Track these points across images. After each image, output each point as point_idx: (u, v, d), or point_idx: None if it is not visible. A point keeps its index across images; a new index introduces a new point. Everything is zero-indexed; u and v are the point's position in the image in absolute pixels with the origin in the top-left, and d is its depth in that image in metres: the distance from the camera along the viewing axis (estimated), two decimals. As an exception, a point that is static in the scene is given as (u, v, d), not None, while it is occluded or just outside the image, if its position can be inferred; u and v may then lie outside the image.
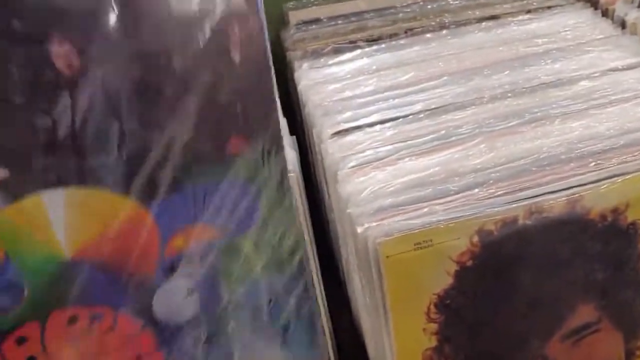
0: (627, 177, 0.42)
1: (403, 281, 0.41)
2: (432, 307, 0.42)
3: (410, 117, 0.48)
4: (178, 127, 0.33)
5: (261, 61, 0.35)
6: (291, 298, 0.42)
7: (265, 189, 0.38)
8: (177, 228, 0.35)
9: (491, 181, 0.42)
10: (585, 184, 0.41)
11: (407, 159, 0.45)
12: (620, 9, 0.58)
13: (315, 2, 0.61)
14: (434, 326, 0.43)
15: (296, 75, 0.55)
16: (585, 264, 0.43)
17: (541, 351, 0.45)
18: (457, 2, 0.62)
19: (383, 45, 0.57)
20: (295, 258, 0.41)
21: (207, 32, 0.33)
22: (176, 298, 0.36)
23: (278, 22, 0.62)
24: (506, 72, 0.51)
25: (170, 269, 0.35)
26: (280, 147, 0.38)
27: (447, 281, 0.42)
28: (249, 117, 0.36)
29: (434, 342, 0.43)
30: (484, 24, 0.58)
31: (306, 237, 0.48)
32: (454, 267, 0.41)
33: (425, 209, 0.41)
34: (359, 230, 0.40)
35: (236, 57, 0.34)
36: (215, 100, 0.34)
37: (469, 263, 0.41)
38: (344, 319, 0.54)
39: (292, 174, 0.45)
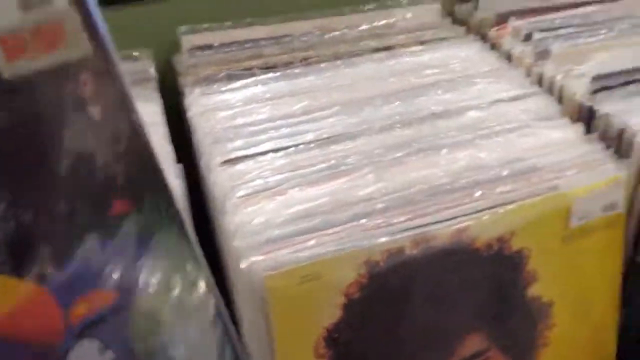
0: (511, 206, 0.43)
1: (290, 316, 0.40)
2: (320, 341, 0.41)
3: (302, 146, 0.48)
4: (52, 201, 0.30)
5: (127, 116, 0.33)
6: (211, 344, 0.39)
7: (161, 244, 0.36)
8: (77, 296, 0.32)
9: (378, 211, 0.42)
10: (470, 214, 0.42)
11: (296, 188, 0.44)
12: (507, 43, 0.60)
13: (210, 28, 0.60)
14: (323, 361, 0.42)
15: (186, 101, 0.54)
16: (473, 293, 0.44)
17: (434, 378, 0.45)
18: (353, 32, 0.62)
19: (278, 74, 0.56)
20: (209, 304, 0.39)
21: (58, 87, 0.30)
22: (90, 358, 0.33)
23: (170, 47, 0.60)
24: (397, 103, 0.52)
25: (79, 335, 0.32)
26: (172, 200, 0.36)
27: (336, 315, 0.41)
28: (130, 179, 0.33)
29: (323, 378, 0.42)
30: (376, 55, 0.58)
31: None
32: (342, 300, 0.40)
33: (313, 241, 0.40)
34: (243, 265, 0.39)
35: (95, 114, 0.31)
36: (85, 166, 0.31)
37: (357, 295, 0.41)
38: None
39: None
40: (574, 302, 0.47)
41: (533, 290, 0.45)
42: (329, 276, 0.39)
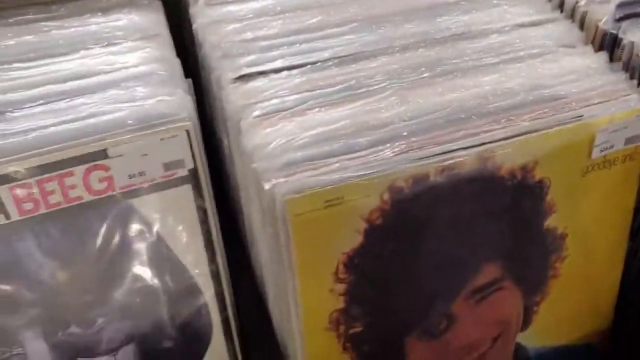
0: (536, 134, 0.41)
1: (311, 240, 0.38)
2: (340, 267, 0.40)
3: (319, 64, 0.45)
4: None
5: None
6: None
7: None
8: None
9: (403, 136, 0.40)
10: (496, 141, 0.40)
11: (315, 109, 0.42)
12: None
13: None
14: (341, 287, 0.41)
15: (191, 11, 0.50)
16: (493, 223, 0.43)
17: (447, 309, 0.45)
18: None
19: (289, -15, 0.52)
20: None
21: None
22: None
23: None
24: (417, 21, 0.49)
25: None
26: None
27: (357, 240, 0.39)
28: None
29: (341, 304, 0.41)
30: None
31: (206, 194, 0.44)
32: (363, 226, 0.39)
33: (336, 165, 0.38)
34: (266, 186, 0.37)
35: None
36: None
37: (379, 221, 0.39)
38: (244, 281, 0.50)
39: (187, 122, 0.40)
40: (585, 234, 0.47)
41: (550, 222, 0.44)
42: (353, 201, 0.38)
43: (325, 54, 0.46)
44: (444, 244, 0.42)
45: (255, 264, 0.50)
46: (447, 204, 0.41)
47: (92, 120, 0.40)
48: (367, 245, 0.40)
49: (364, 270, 0.41)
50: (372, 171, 0.38)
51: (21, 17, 0.48)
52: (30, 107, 0.41)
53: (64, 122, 0.40)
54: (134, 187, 0.41)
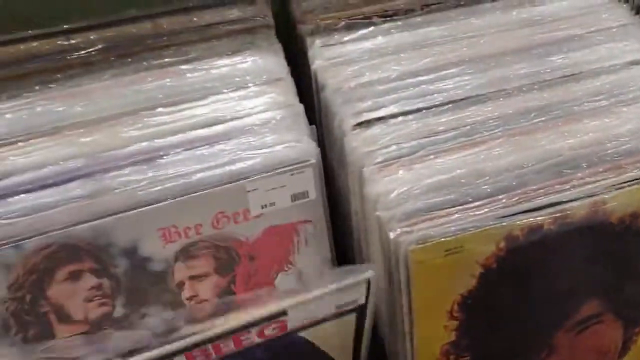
0: (647, 182, 0.43)
1: (430, 284, 0.42)
2: (455, 306, 0.43)
3: (433, 109, 0.48)
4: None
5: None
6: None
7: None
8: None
9: (517, 185, 0.43)
10: (608, 190, 0.42)
11: (432, 156, 0.45)
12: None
13: (324, -32, 0.58)
14: (454, 323, 0.44)
15: (310, 53, 0.53)
16: (599, 262, 0.45)
17: (549, 341, 0.48)
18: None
19: (399, 23, 0.55)
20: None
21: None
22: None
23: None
24: (527, 62, 0.51)
25: None
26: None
27: (472, 283, 0.43)
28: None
29: (452, 337, 0.45)
30: (500, 3, 0.56)
31: (325, 227, 0.48)
32: (479, 270, 0.42)
33: (456, 215, 0.41)
34: (391, 235, 0.40)
35: None
36: None
37: (493, 266, 0.42)
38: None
39: (311, 167, 0.44)
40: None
41: (654, 262, 0.46)
42: (471, 250, 0.41)
43: (439, 98, 0.48)
44: (551, 283, 0.44)
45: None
46: (557, 249, 0.43)
47: (232, 167, 0.45)
48: (480, 287, 0.43)
49: (476, 309, 0.44)
50: (490, 223, 0.41)
51: (157, 61, 0.53)
52: (174, 153, 0.46)
53: (207, 168, 0.45)
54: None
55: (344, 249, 0.56)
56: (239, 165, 0.45)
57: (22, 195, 0.44)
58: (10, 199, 0.43)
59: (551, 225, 0.42)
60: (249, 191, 0.45)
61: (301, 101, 0.50)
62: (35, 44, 0.54)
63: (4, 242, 0.42)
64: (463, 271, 0.42)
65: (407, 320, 0.44)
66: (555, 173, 0.43)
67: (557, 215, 0.41)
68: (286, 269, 0.49)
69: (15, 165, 0.46)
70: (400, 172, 0.44)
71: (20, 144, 0.47)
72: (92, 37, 0.55)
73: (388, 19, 0.56)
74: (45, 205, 0.43)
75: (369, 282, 0.43)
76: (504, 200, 0.42)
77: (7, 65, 0.53)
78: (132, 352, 0.43)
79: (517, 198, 0.42)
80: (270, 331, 0.42)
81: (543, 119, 0.46)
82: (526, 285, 0.44)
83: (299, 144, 0.46)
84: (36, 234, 0.42)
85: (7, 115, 0.50)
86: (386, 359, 0.52)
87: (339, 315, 0.44)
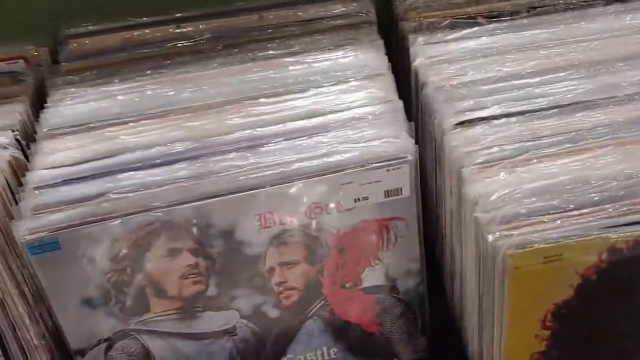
0: None
1: (526, 291, 0.41)
2: (548, 315, 0.42)
3: (538, 112, 0.46)
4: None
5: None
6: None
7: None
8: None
9: (623, 196, 0.41)
10: None
11: (535, 160, 0.43)
12: None
13: (431, -34, 0.58)
14: (546, 333, 0.43)
15: (411, 50, 0.53)
16: None
17: (642, 359, 0.46)
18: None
19: (504, 24, 0.54)
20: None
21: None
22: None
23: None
24: (638, 69, 0.48)
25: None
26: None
27: (568, 293, 0.41)
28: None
29: (543, 347, 0.44)
30: (613, 7, 0.54)
31: (417, 225, 0.48)
32: (577, 281, 0.41)
33: (557, 222, 0.40)
34: (490, 238, 0.40)
35: None
36: None
37: (593, 277, 0.41)
38: (438, 305, 0.54)
39: (407, 164, 0.44)
40: None
41: None
42: (571, 259, 0.40)
43: (544, 101, 0.47)
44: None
45: (451, 289, 0.53)
46: (664, 265, 0.41)
47: (329, 159, 0.45)
48: (577, 298, 0.41)
49: (571, 320, 0.42)
50: (593, 232, 0.39)
51: (263, 53, 0.55)
52: (275, 142, 0.47)
53: (305, 159, 0.46)
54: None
55: (432, 249, 0.56)
56: (336, 158, 0.46)
57: (131, 173, 0.46)
58: (119, 175, 0.46)
59: (659, 240, 0.40)
60: (343, 184, 0.45)
61: (400, 98, 0.50)
62: (147, 30, 0.57)
63: (112, 215, 0.44)
64: (561, 280, 0.41)
65: (498, 327, 0.43)
66: (667, 186, 0.41)
67: (667, 229, 0.39)
68: (373, 264, 0.49)
69: (126, 144, 0.48)
70: (502, 174, 0.43)
71: (131, 124, 0.50)
72: (201, 26, 0.57)
73: (493, 19, 0.55)
74: (152, 183, 0.45)
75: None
76: (609, 210, 0.40)
77: (120, 50, 0.57)
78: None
79: (624, 209, 0.40)
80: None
81: (656, 129, 0.44)
82: (625, 300, 0.42)
83: (397, 140, 0.46)
84: (142, 210, 0.44)
85: (120, 97, 0.52)
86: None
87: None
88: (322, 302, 0.50)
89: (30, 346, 0.47)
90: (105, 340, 0.48)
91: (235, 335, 0.50)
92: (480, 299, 0.45)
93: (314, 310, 0.50)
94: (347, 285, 0.50)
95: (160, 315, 0.48)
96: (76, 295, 0.46)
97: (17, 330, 0.46)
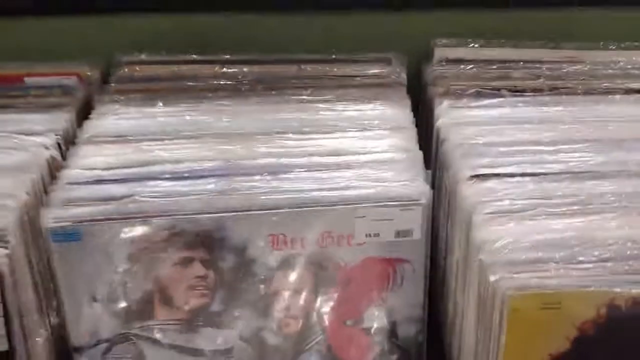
0: None
1: (523, 336, 0.41)
2: (544, 366, 0.42)
3: (550, 176, 0.49)
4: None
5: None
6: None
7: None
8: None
9: (627, 257, 0.42)
10: None
11: (543, 216, 0.45)
12: None
13: (463, 43, 0.62)
14: (540, 384, 0.43)
15: (436, 111, 0.57)
16: None
17: None
18: (603, 69, 0.61)
19: (527, 98, 0.57)
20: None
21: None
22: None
23: (422, 56, 0.64)
24: (650, 149, 0.51)
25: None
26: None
27: (564, 345, 0.42)
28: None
29: (536, 399, 0.43)
30: (632, 97, 0.57)
31: (423, 271, 0.49)
32: (574, 333, 0.41)
33: (560, 271, 0.41)
34: (492, 278, 0.41)
35: None
36: None
37: (590, 332, 0.41)
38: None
39: (421, 206, 0.46)
40: None
41: None
42: (569, 309, 0.40)
43: (557, 167, 0.49)
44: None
45: (449, 342, 0.53)
46: (663, 332, 0.41)
47: (346, 192, 0.48)
48: (573, 351, 0.42)
49: (566, 375, 0.42)
50: (593, 284, 0.40)
51: (297, 97, 0.58)
52: (297, 172, 0.50)
53: (323, 189, 0.48)
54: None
55: (434, 303, 0.57)
56: (353, 192, 0.48)
57: (160, 181, 0.49)
58: (148, 182, 0.49)
59: (658, 303, 0.41)
60: (357, 217, 0.47)
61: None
62: (195, 66, 0.62)
63: (135, 215, 0.47)
64: (558, 330, 0.41)
65: (493, 371, 0.43)
66: (669, 254, 0.42)
67: (667, 293, 0.40)
68: (376, 304, 0.50)
69: (159, 157, 0.51)
70: (510, 224, 0.45)
71: (167, 141, 0.53)
72: (244, 69, 0.62)
73: (517, 94, 0.58)
74: (177, 192, 0.48)
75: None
76: (610, 266, 0.41)
77: (167, 80, 0.61)
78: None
79: (626, 268, 0.41)
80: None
81: (662, 202, 0.46)
82: (620, 358, 0.42)
83: (412, 183, 0.49)
84: (164, 215, 0.47)
85: (160, 119, 0.56)
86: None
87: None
88: (321, 337, 0.51)
89: (33, 334, 0.48)
90: (106, 341, 0.49)
91: (232, 357, 0.51)
92: (477, 346, 0.45)
93: (312, 344, 0.51)
94: (349, 322, 0.51)
95: (163, 324, 0.49)
96: (87, 289, 0.48)
97: (23, 316, 0.47)
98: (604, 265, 0.42)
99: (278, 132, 0.54)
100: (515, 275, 0.41)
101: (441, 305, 0.56)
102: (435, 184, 0.55)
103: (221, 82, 0.61)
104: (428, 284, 0.50)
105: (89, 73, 0.62)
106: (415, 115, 0.57)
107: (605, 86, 0.59)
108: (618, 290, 0.40)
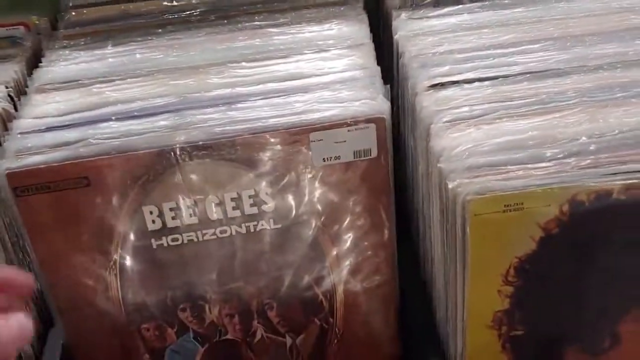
0: None
1: (487, 241, 0.41)
2: (511, 270, 0.42)
3: (510, 78, 0.47)
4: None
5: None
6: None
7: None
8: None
9: (589, 151, 0.42)
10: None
11: (504, 119, 0.44)
12: None
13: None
14: (509, 289, 0.43)
15: (394, 24, 0.55)
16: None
17: (612, 328, 0.45)
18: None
19: (486, 3, 0.55)
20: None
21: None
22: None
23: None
24: (613, 43, 0.49)
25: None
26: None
27: (530, 246, 0.42)
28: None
29: (506, 305, 0.44)
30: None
31: (390, 190, 0.49)
32: (539, 234, 0.41)
33: (520, 172, 0.41)
34: (450, 185, 0.40)
35: None
36: None
37: (555, 231, 0.41)
38: (411, 274, 0.54)
39: (381, 116, 0.45)
40: None
41: None
42: (532, 209, 0.40)
43: (517, 69, 0.48)
44: (617, 261, 0.42)
45: (424, 258, 0.53)
46: (626, 223, 0.41)
47: (303, 116, 0.46)
48: (540, 252, 0.42)
49: (533, 277, 0.43)
50: (555, 182, 0.40)
51: (250, 23, 0.57)
52: (253, 100, 0.49)
53: (281, 115, 0.47)
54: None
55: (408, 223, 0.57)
56: (311, 115, 0.47)
57: (112, 122, 0.48)
58: (101, 124, 0.48)
59: (621, 195, 0.40)
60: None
61: (382, 72, 0.51)
62: (143, 3, 0.60)
63: (90, 158, 0.46)
64: (522, 232, 0.41)
65: (461, 280, 0.43)
66: (631, 145, 0.42)
67: (629, 184, 0.40)
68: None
69: (110, 98, 0.50)
70: (469, 130, 0.44)
71: (117, 82, 0.52)
72: (194, 1, 0.60)
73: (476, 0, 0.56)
74: (130, 132, 0.47)
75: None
76: (572, 164, 0.41)
77: (116, 19, 0.59)
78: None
79: (587, 162, 0.41)
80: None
81: (624, 94, 0.45)
82: (588, 258, 0.42)
83: (373, 101, 0.47)
84: (119, 155, 0.46)
85: (110, 59, 0.54)
86: (436, 329, 0.52)
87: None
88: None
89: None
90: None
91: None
92: (445, 257, 0.45)
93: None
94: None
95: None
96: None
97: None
98: (565, 162, 0.41)
99: (231, 62, 0.52)
100: (475, 180, 0.40)
101: (412, 225, 0.55)
102: (399, 100, 0.54)
103: (171, 16, 0.59)
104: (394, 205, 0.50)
105: (36, 22, 0.60)
106: (373, 31, 0.56)
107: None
108: (579, 185, 0.40)
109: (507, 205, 0.40)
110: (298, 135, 0.46)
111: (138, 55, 0.54)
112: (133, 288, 0.50)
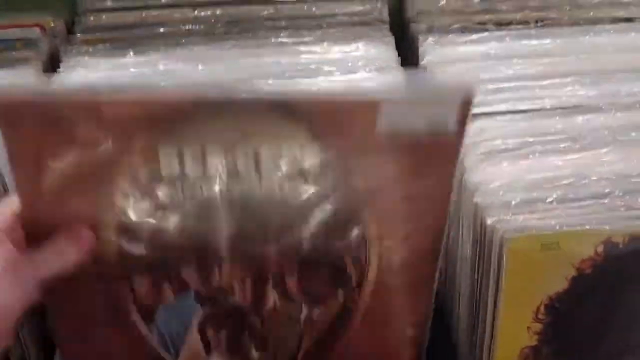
0: None
1: (521, 278, 0.41)
2: (542, 307, 0.42)
3: (541, 112, 0.47)
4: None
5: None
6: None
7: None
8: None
9: (622, 193, 0.42)
10: None
11: (537, 154, 0.44)
12: None
13: (445, -24, 0.60)
14: (538, 326, 0.43)
15: (421, 49, 0.54)
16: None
17: (636, 364, 0.46)
18: (589, -2, 0.59)
19: (513, 32, 0.55)
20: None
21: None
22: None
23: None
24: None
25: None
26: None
27: (563, 285, 0.42)
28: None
29: (534, 342, 0.44)
30: (619, 25, 0.56)
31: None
32: (572, 273, 0.41)
33: (557, 211, 0.41)
34: (489, 221, 0.40)
35: None
36: None
37: (588, 271, 0.41)
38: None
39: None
40: None
41: None
42: (568, 249, 0.40)
43: (547, 103, 0.48)
44: (647, 301, 0.43)
45: (448, 285, 0.53)
46: (658, 265, 0.42)
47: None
48: (571, 291, 0.42)
49: (563, 315, 0.43)
50: (591, 223, 0.40)
51: (275, 40, 0.56)
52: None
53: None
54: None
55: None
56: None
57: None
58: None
59: (655, 238, 0.40)
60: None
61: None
62: (165, 11, 0.58)
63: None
64: (556, 271, 0.41)
65: (491, 315, 0.43)
66: (664, 187, 0.42)
67: (663, 227, 0.40)
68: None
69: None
70: (504, 164, 0.44)
71: (139, 94, 0.50)
72: (217, 12, 0.58)
73: (502, 27, 0.56)
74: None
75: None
76: (607, 204, 0.41)
77: (134, 26, 0.58)
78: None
79: (622, 204, 0.41)
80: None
81: (656, 135, 0.45)
82: (619, 298, 0.43)
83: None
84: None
85: (132, 69, 0.53)
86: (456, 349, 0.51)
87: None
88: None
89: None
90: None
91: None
92: (473, 285, 0.45)
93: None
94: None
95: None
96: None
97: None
98: (600, 202, 0.41)
99: (257, 78, 0.52)
100: (512, 218, 0.40)
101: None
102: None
103: (194, 27, 0.58)
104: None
105: (52, 24, 0.58)
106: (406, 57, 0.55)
107: (592, 15, 0.57)
108: (615, 227, 0.40)
109: (544, 245, 0.40)
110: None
111: (161, 67, 0.53)
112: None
